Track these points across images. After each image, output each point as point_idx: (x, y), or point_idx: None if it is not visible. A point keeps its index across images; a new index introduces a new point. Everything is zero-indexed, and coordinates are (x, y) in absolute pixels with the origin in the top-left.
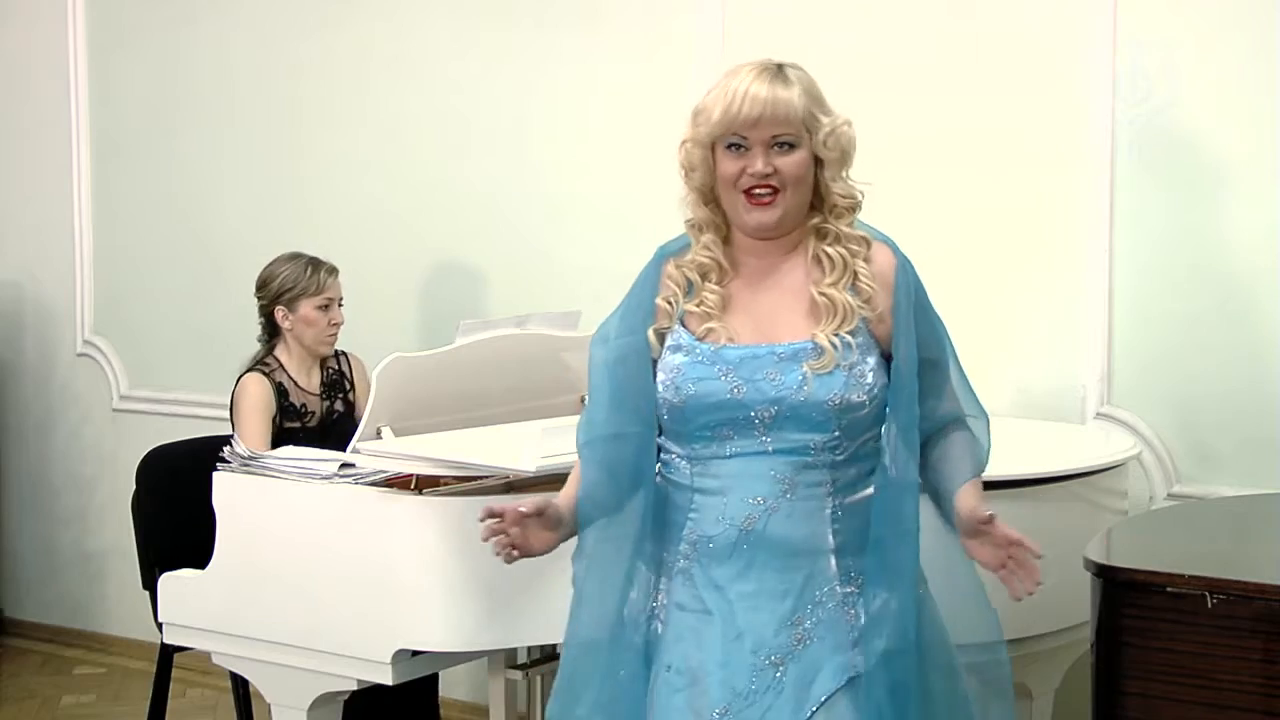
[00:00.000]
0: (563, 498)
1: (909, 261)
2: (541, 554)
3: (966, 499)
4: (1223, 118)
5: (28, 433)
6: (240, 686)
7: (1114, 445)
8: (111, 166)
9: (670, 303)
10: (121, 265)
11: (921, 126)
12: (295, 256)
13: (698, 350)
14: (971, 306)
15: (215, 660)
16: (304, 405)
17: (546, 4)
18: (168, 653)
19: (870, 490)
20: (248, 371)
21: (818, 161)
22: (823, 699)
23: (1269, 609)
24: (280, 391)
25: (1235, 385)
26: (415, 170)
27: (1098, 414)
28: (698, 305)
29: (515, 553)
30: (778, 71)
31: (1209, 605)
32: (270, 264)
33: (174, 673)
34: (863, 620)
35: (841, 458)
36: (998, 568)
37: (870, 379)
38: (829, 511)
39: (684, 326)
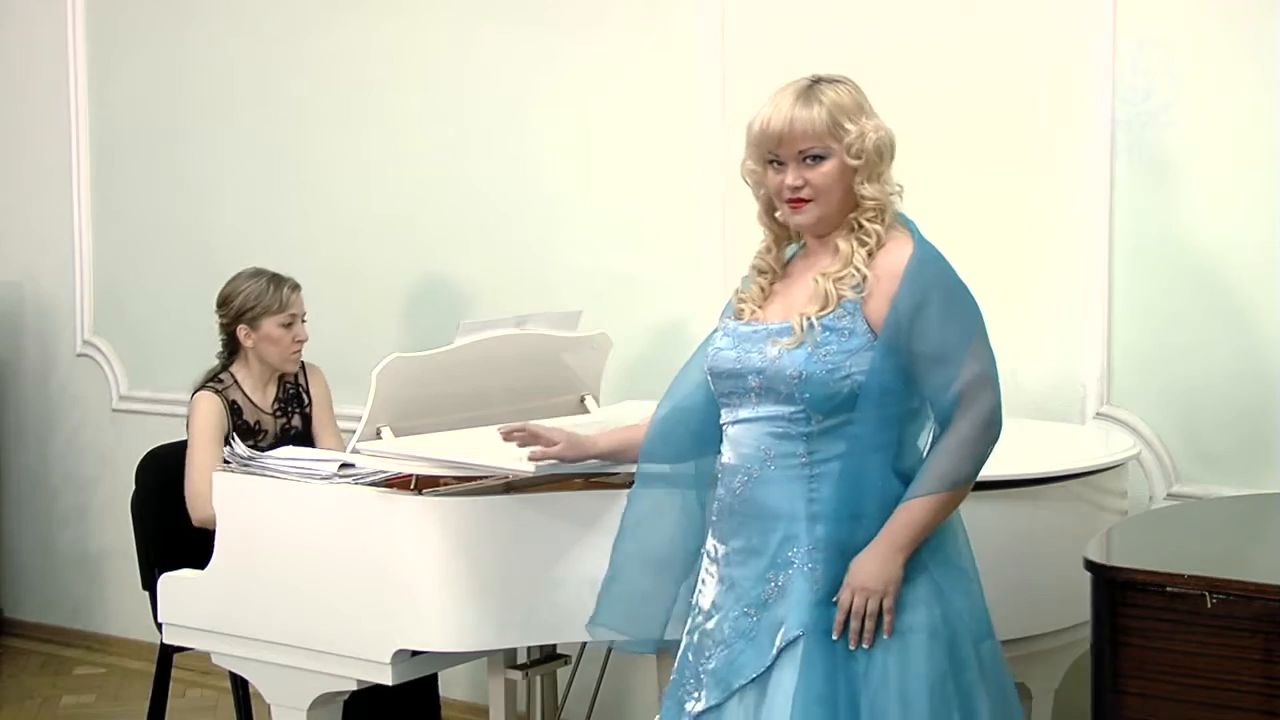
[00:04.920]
0: (612, 437)
1: (931, 259)
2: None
3: (890, 522)
4: (1222, 117)
5: (28, 433)
6: (240, 686)
7: (1114, 445)
8: (111, 166)
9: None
10: (121, 265)
11: (921, 126)
12: (257, 273)
13: (728, 325)
14: None
15: (215, 660)
16: (258, 423)
17: (547, 6)
18: (167, 653)
19: (848, 465)
20: (199, 390)
21: (852, 170)
22: (784, 645)
23: (1269, 609)
24: (233, 409)
25: (1235, 385)
26: (416, 171)
27: (1098, 414)
28: (747, 295)
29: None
30: (807, 90)
31: (1208, 605)
32: (231, 281)
33: (174, 673)
34: (824, 584)
35: (814, 430)
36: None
37: (844, 359)
38: (806, 481)
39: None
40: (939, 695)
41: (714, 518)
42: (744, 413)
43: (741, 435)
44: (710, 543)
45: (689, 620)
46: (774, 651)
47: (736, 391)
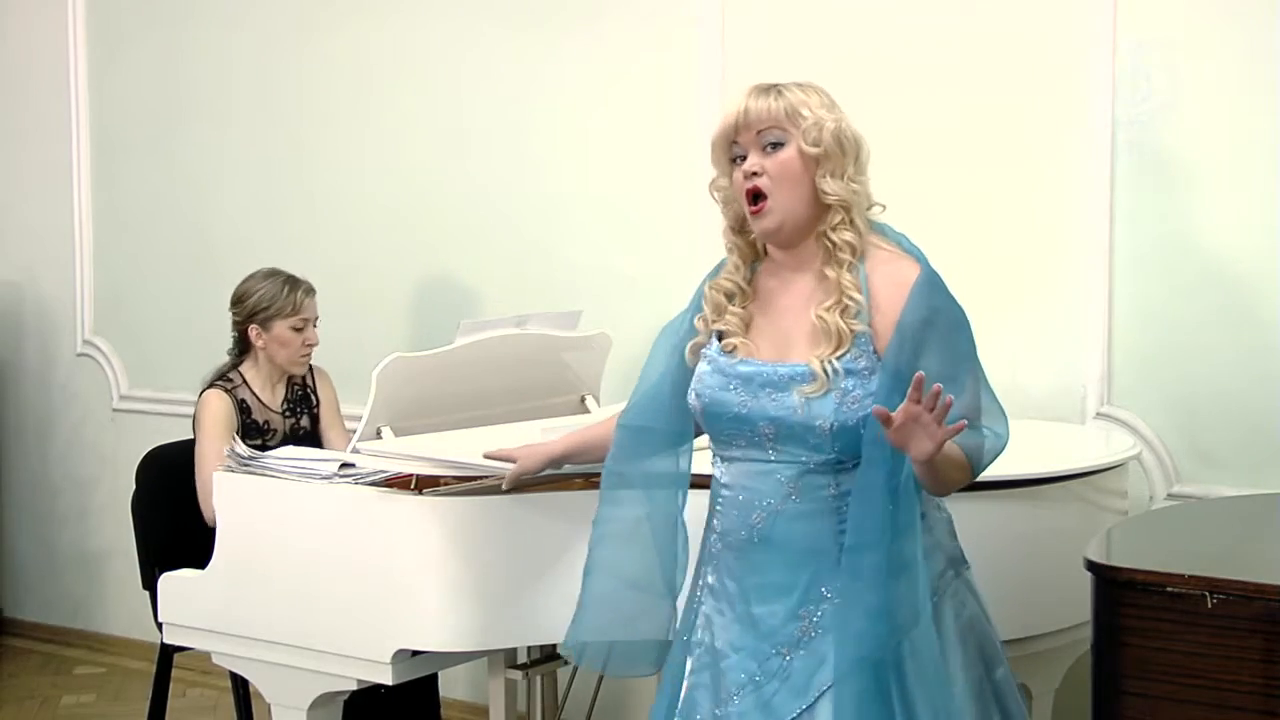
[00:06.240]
0: (570, 438)
1: (938, 284)
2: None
3: None
4: (1222, 118)
5: (28, 433)
6: (240, 686)
7: (1114, 445)
8: (111, 166)
9: (705, 321)
10: (121, 265)
11: (921, 127)
12: (273, 274)
13: (718, 362)
14: (971, 307)
15: (215, 660)
16: (266, 422)
17: (547, 5)
18: (168, 653)
19: (873, 492)
20: (208, 387)
21: (813, 161)
22: (825, 687)
23: (1269, 609)
24: (242, 408)
25: (1235, 385)
26: (415, 170)
27: (1098, 414)
28: (725, 325)
29: None
30: (770, 87)
31: (1209, 605)
32: (246, 280)
33: (174, 673)
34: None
35: (848, 466)
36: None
37: (871, 403)
38: (834, 514)
39: (718, 340)
40: (979, 697)
41: (714, 549)
42: (757, 454)
43: (753, 470)
44: (711, 578)
45: (691, 658)
46: (816, 693)
47: (742, 434)
